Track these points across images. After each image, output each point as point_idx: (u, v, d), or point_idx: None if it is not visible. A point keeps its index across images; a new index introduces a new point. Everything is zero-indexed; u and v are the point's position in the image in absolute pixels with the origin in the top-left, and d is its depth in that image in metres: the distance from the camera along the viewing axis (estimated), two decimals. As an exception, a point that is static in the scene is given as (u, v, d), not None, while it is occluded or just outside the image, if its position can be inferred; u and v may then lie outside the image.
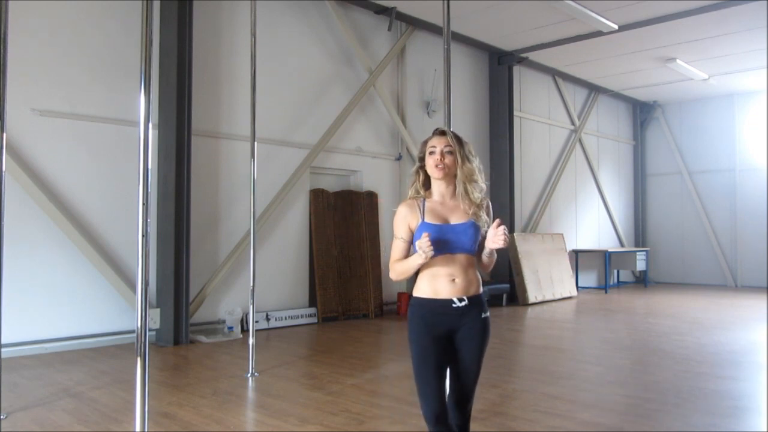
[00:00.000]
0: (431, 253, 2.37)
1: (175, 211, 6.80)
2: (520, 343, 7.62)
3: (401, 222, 2.56)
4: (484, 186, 2.60)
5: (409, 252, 2.57)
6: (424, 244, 2.37)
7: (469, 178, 2.55)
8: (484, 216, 2.55)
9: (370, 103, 9.42)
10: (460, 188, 2.55)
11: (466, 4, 8.71)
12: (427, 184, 2.64)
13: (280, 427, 3.93)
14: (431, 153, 2.56)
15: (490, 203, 2.64)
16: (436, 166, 2.53)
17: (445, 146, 2.55)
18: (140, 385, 2.78)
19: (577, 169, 13.73)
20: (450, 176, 2.56)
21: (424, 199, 2.59)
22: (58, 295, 6.32)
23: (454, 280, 2.49)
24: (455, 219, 2.53)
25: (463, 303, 2.50)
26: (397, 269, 2.55)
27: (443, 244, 2.46)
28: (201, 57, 7.37)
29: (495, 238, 2.44)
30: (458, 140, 2.59)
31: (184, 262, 6.86)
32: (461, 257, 2.50)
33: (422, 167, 2.62)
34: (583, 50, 11.03)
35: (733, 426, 4.09)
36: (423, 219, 2.52)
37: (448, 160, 2.54)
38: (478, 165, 2.60)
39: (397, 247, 2.57)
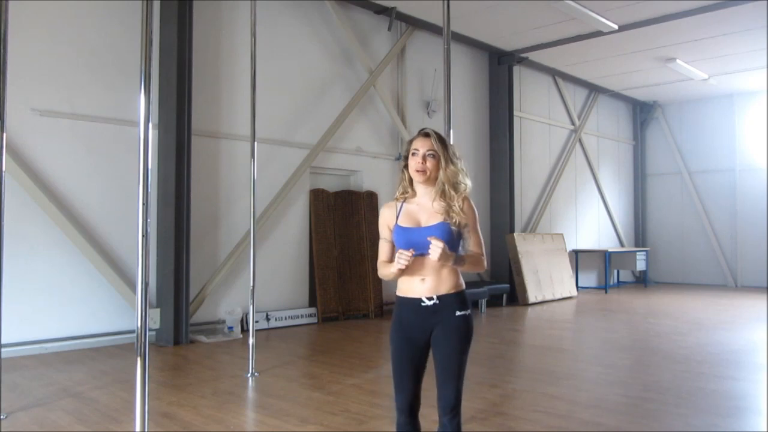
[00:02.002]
0: (403, 264, 2.45)
1: (175, 211, 6.80)
2: (520, 343, 7.63)
3: (383, 224, 2.68)
4: (468, 184, 2.62)
5: (392, 251, 2.64)
6: (402, 258, 2.45)
7: (452, 180, 2.56)
8: (457, 217, 2.53)
9: (370, 103, 9.42)
10: (438, 188, 2.57)
11: (466, 4, 8.71)
12: (413, 181, 2.66)
13: (280, 427, 3.93)
14: (413, 155, 2.58)
15: (470, 201, 2.62)
16: (417, 170, 2.56)
17: (428, 150, 2.56)
18: (140, 385, 2.78)
19: (577, 169, 13.73)
20: (431, 179, 2.58)
21: (404, 201, 2.65)
22: (58, 295, 6.32)
23: (423, 279, 2.55)
24: (426, 220, 2.57)
25: (432, 302, 2.55)
26: (381, 271, 2.67)
27: (412, 245, 2.51)
28: (201, 57, 7.37)
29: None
30: (442, 142, 2.59)
31: (184, 262, 6.86)
32: (431, 259, 2.49)
33: (407, 166, 2.65)
34: (583, 50, 11.02)
35: (733, 426, 4.09)
36: (396, 222, 2.60)
37: (429, 163, 2.56)
38: (462, 167, 2.62)
39: (382, 247, 2.69)
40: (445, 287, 2.55)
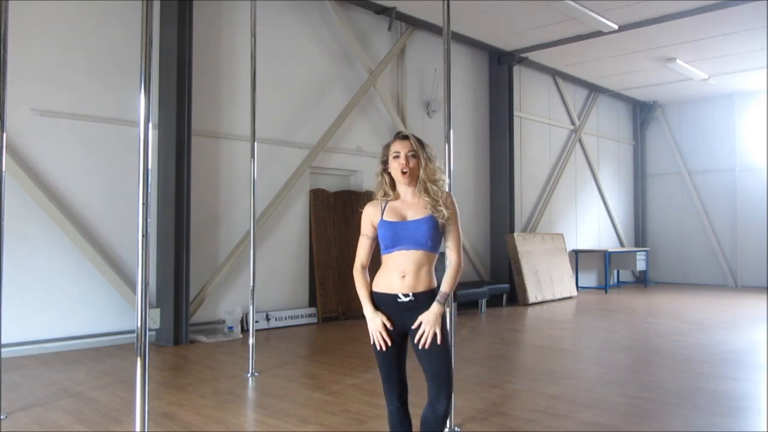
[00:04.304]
0: (377, 343, 2.64)
1: (175, 211, 6.80)
2: (520, 343, 7.63)
3: (366, 220, 2.75)
4: (445, 180, 2.77)
5: (372, 248, 2.76)
6: (377, 336, 2.63)
7: (431, 178, 2.69)
8: (444, 210, 2.65)
9: (370, 103, 9.42)
10: (420, 186, 2.69)
11: (466, 4, 8.71)
12: (394, 184, 2.76)
13: (280, 427, 3.93)
14: (395, 157, 2.69)
15: (453, 198, 2.74)
16: (402, 171, 2.67)
17: (409, 151, 2.68)
18: (140, 385, 2.78)
19: (577, 169, 13.72)
20: (414, 177, 2.70)
21: (387, 201, 2.74)
22: (59, 295, 6.32)
23: (404, 276, 2.62)
24: (413, 215, 2.68)
25: (408, 298, 2.63)
26: (356, 282, 2.74)
27: (399, 239, 2.63)
28: (201, 57, 7.37)
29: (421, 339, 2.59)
30: (420, 143, 2.72)
31: (184, 262, 6.86)
32: (416, 253, 2.62)
33: (386, 170, 2.76)
34: (583, 50, 11.02)
35: (733, 426, 4.09)
36: (382, 217, 2.69)
37: (412, 163, 2.68)
38: (438, 165, 2.77)
39: (362, 243, 2.76)
40: (422, 286, 2.64)
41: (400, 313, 2.64)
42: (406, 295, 2.62)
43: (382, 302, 2.67)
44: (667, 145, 15.42)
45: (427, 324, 2.58)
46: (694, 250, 14.84)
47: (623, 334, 7.95)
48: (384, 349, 2.63)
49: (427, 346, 2.57)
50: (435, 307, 2.60)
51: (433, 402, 2.61)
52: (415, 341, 2.60)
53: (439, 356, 2.61)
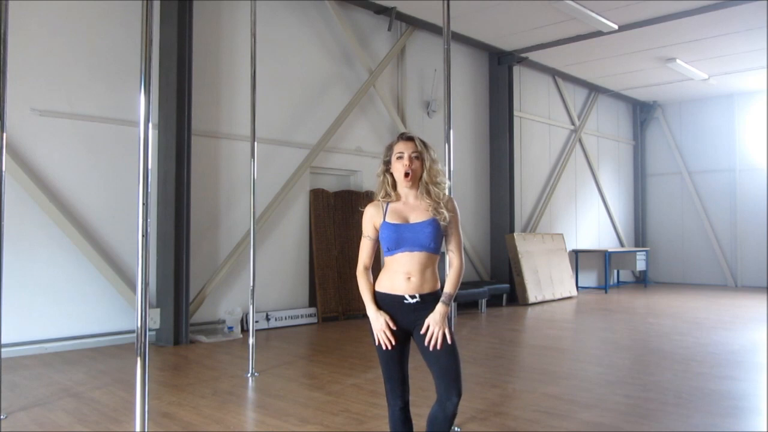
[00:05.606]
0: (381, 342, 2.63)
1: (175, 211, 6.80)
2: (520, 343, 7.63)
3: (368, 222, 2.74)
4: (447, 183, 2.77)
5: (374, 248, 2.75)
6: (381, 335, 2.62)
7: (434, 179, 2.68)
8: (445, 213, 2.65)
9: (370, 103, 9.42)
10: (422, 188, 2.69)
11: (466, 4, 8.71)
12: (395, 185, 2.75)
13: (280, 427, 3.93)
14: (399, 158, 2.68)
15: (455, 202, 2.75)
16: (405, 173, 2.66)
17: (413, 152, 2.67)
18: (140, 385, 2.78)
19: (577, 169, 13.73)
20: (417, 179, 2.69)
21: (388, 203, 2.73)
22: (58, 295, 6.32)
23: (410, 278, 2.63)
24: (415, 218, 2.67)
25: (415, 300, 2.64)
26: (360, 283, 2.75)
27: (402, 241, 2.62)
28: (201, 57, 7.37)
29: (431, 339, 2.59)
30: (424, 144, 2.72)
31: (184, 262, 6.86)
32: (420, 255, 2.62)
33: (388, 170, 2.75)
34: (583, 50, 11.03)
35: (733, 426, 4.09)
36: (384, 219, 2.68)
37: (415, 165, 2.67)
38: (441, 167, 2.78)
39: (365, 245, 2.76)
40: (428, 287, 2.65)
41: (406, 313, 2.65)
42: (413, 297, 2.62)
43: (386, 302, 2.67)
44: (667, 145, 15.42)
45: (436, 325, 2.59)
46: (694, 250, 14.84)
47: (623, 334, 7.95)
48: (390, 347, 2.63)
49: (439, 347, 2.58)
50: (441, 308, 2.62)
51: (444, 400, 2.60)
52: (425, 343, 2.60)
53: (447, 355, 2.61)
